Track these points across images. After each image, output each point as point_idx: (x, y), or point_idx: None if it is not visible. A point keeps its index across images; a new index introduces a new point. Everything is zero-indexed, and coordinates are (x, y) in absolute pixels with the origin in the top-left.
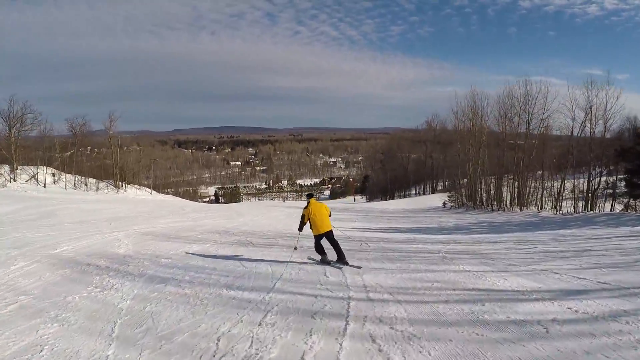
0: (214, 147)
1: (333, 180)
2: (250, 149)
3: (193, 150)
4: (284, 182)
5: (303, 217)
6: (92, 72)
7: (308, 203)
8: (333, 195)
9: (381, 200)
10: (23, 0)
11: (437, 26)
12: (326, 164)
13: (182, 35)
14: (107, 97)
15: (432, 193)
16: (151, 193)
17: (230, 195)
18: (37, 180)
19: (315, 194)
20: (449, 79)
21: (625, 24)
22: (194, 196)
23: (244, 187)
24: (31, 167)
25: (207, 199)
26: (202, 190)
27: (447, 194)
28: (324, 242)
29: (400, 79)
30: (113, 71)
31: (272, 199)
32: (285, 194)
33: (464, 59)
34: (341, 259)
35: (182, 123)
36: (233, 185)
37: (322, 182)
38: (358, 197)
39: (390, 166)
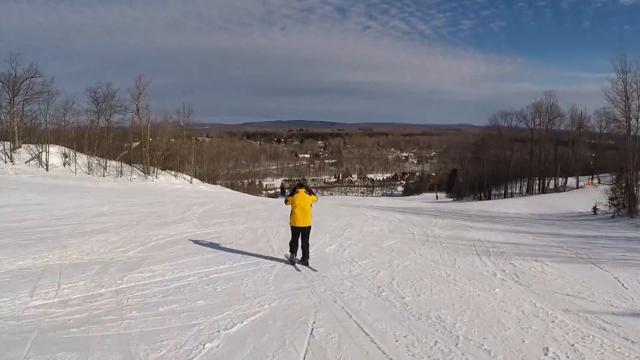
0: (282, 140)
1: (406, 176)
2: (320, 142)
3: (261, 142)
4: (354, 176)
5: (286, 201)
6: (165, 67)
7: (296, 192)
8: (407, 192)
9: (474, 199)
10: (97, 0)
11: (509, 20)
12: (398, 159)
13: (253, 31)
14: (179, 91)
15: (543, 192)
16: (191, 182)
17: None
18: (40, 161)
19: (388, 189)
20: (522, 74)
21: None
22: (259, 189)
23: (312, 180)
24: (39, 145)
25: (273, 191)
26: (268, 182)
27: (607, 194)
28: None
29: (471, 75)
30: (185, 66)
31: (345, 194)
32: (356, 188)
33: (537, 54)
34: (304, 259)
35: (252, 116)
36: (301, 178)
37: (394, 177)
38: (441, 195)
39: (488, 158)
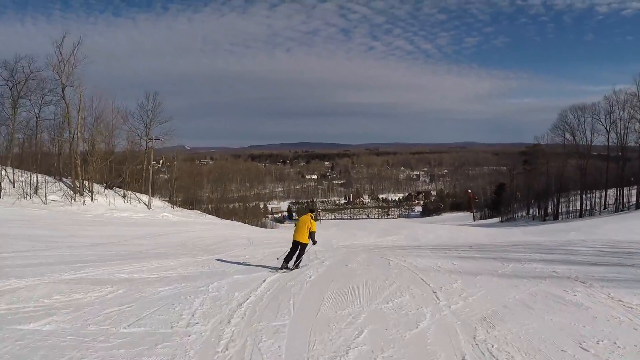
0: (288, 161)
1: (421, 195)
2: (327, 163)
3: (266, 164)
4: (366, 197)
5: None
6: (171, 90)
7: (305, 214)
8: (425, 212)
9: (534, 220)
10: (104, 24)
11: (512, 36)
12: (409, 178)
13: (258, 53)
14: (185, 114)
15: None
16: (150, 207)
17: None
18: None
19: (405, 210)
20: (527, 89)
21: None
22: (263, 212)
23: (321, 202)
24: None
25: (280, 214)
26: (274, 205)
27: None
28: None
29: (476, 92)
30: (190, 90)
31: (366, 217)
32: (369, 210)
33: (542, 68)
34: (291, 266)
35: (257, 139)
36: (309, 200)
37: (409, 197)
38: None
39: (555, 169)
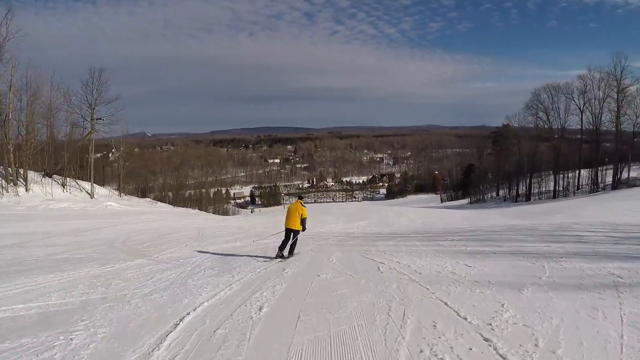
0: (250, 146)
1: (385, 178)
2: (289, 146)
3: (228, 149)
4: (330, 180)
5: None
6: (133, 76)
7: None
8: (390, 195)
9: (505, 201)
10: (63, 8)
11: (476, 21)
12: (373, 160)
13: (221, 38)
14: (147, 100)
15: (615, 188)
16: (92, 197)
17: (268, 196)
18: None
19: (369, 193)
20: (489, 74)
21: None
22: (225, 198)
23: (284, 186)
24: None
25: (242, 200)
26: (237, 190)
27: None
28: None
29: (439, 76)
30: (152, 76)
31: (341, 200)
32: (333, 193)
33: (504, 53)
34: (286, 254)
35: (219, 124)
36: (272, 185)
37: (372, 180)
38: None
39: (525, 149)
